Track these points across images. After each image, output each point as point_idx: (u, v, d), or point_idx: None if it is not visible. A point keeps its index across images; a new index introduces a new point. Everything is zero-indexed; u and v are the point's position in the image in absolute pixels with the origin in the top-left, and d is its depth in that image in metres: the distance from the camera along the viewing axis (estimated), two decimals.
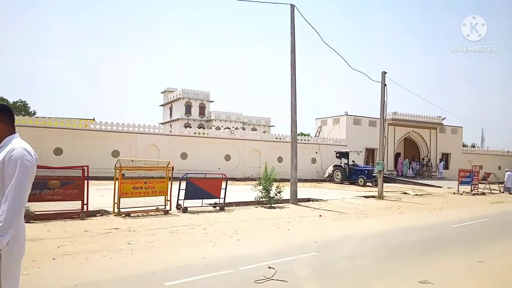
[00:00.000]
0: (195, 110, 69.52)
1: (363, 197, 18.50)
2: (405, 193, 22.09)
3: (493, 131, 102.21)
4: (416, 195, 21.27)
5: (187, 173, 12.32)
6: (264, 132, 54.37)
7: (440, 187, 27.32)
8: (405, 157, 37.54)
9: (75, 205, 10.01)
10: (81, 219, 9.70)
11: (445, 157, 38.90)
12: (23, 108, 55.94)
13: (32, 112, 55.09)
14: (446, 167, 37.89)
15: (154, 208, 11.24)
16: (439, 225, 11.59)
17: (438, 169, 37.02)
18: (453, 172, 32.40)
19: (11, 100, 56.29)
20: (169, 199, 11.51)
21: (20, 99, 57.65)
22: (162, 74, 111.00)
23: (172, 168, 11.99)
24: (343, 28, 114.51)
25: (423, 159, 37.39)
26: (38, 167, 10.71)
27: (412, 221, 12.23)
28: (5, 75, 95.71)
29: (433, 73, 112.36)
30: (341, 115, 34.49)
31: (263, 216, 11.90)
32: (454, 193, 23.14)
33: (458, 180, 24.28)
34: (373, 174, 25.21)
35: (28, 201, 9.17)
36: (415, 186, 27.31)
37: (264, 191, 13.90)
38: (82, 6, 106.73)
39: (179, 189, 11.83)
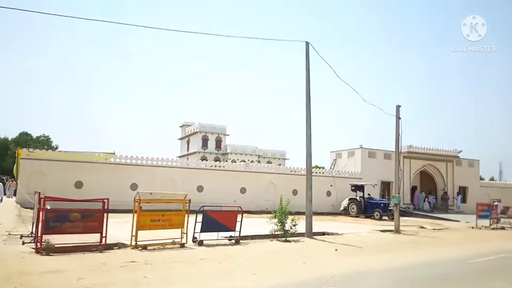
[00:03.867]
0: (211, 144, 70.28)
1: (379, 231, 18.29)
2: (422, 227, 21.74)
3: (511, 164, 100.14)
4: (434, 229, 20.91)
5: (203, 206, 12.48)
6: (279, 165, 54.43)
7: (458, 221, 26.75)
8: (421, 191, 37.00)
9: (92, 238, 10.22)
10: (99, 252, 9.87)
11: (463, 191, 38.22)
12: (46, 143, 57.49)
13: (55, 147, 56.47)
14: (463, 200, 37.18)
15: (171, 241, 11.37)
16: (457, 261, 11.42)
17: (455, 202, 36.34)
18: (470, 205, 31.75)
19: (34, 134, 58.05)
20: (185, 231, 11.63)
21: (43, 134, 59.42)
22: (181, 108, 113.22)
23: (189, 200, 12.16)
24: (358, 61, 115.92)
25: (444, 193, 36.71)
26: (60, 199, 10.98)
27: (430, 256, 12.06)
28: (29, 111, 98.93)
29: (448, 106, 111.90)
30: (356, 148, 34.51)
31: (279, 249, 11.90)
32: (472, 228, 22.65)
33: (476, 214, 23.80)
34: (389, 208, 24.95)
35: (50, 233, 9.51)
36: (432, 220, 26.81)
37: (279, 224, 13.91)
38: (102, 38, 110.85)
39: (195, 222, 11.95)
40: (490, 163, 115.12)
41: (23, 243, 10.35)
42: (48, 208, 9.96)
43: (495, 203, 24.45)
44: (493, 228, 22.79)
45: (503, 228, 23.28)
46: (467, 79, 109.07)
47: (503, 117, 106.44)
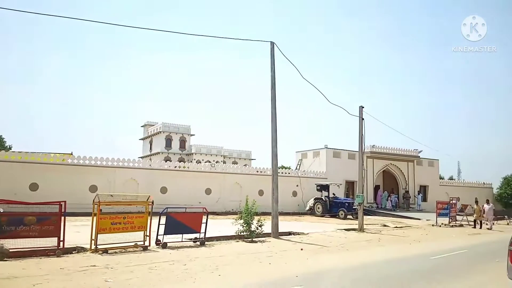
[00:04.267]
0: (175, 144, 69.28)
1: (344, 230, 18.54)
2: (385, 225, 22.25)
3: (469, 164, 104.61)
4: (396, 227, 21.45)
5: (167, 208, 12.17)
6: (245, 165, 54.34)
7: (419, 219, 27.61)
8: (384, 190, 37.98)
9: (50, 242, 9.73)
10: (57, 256, 9.41)
11: (423, 189, 39.55)
12: None
13: (8, 147, 53.79)
14: (424, 199, 38.50)
15: (133, 244, 11.01)
16: (419, 257, 11.70)
17: (416, 201, 37.52)
18: (431, 204, 32.90)
19: None
20: (148, 234, 11.30)
21: None
22: (142, 107, 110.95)
23: (152, 202, 11.84)
24: (321, 62, 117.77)
25: (406, 192, 37.79)
26: (13, 202, 10.34)
27: (393, 254, 12.31)
28: None
29: (410, 107, 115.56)
30: (321, 148, 34.95)
31: (244, 250, 11.78)
32: (432, 225, 23.42)
33: (436, 212, 24.62)
34: (354, 207, 25.37)
35: (4, 237, 8.98)
36: (394, 219, 27.53)
37: (245, 225, 13.80)
38: (60, 36, 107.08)
39: (159, 224, 11.65)
40: (449, 162, 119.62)
41: None
42: (1, 211, 9.40)
43: (453, 201, 25.37)
44: (452, 226, 23.65)
45: (461, 225, 24.21)
46: (430, 79, 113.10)
47: (462, 116, 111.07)
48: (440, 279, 8.59)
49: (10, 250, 8.99)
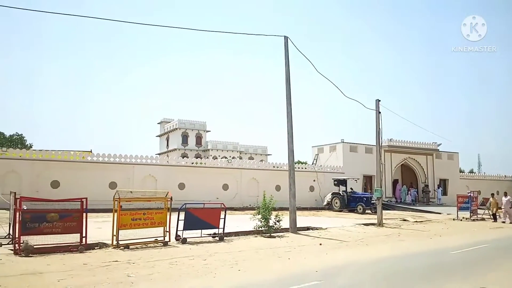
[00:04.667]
0: (191, 140, 69.69)
1: (362, 225, 18.42)
2: (404, 220, 22.01)
3: (489, 156, 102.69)
4: (416, 221, 21.20)
5: (185, 204, 12.28)
6: (261, 161, 54.37)
7: (439, 213, 27.23)
8: (403, 184, 37.54)
9: (73, 238, 9.93)
10: (80, 252, 9.60)
11: (443, 183, 38.95)
12: (19, 141, 55.81)
13: (29, 145, 54.95)
14: (444, 193, 37.88)
15: (153, 239, 11.16)
16: (439, 252, 11.55)
17: (436, 195, 36.99)
18: (451, 198, 32.37)
19: (7, 133, 56.36)
20: (168, 230, 11.44)
21: (16, 132, 57.59)
22: (158, 105, 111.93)
23: (171, 198, 11.97)
24: (337, 56, 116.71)
25: (425, 185, 37.30)
26: (36, 199, 10.65)
27: (413, 248, 12.18)
28: (2, 109, 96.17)
29: (429, 100, 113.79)
30: (338, 143, 34.69)
31: (263, 245, 11.81)
32: (453, 219, 23.05)
33: (457, 206, 24.23)
34: (372, 201, 25.15)
35: (28, 234, 9.22)
36: (414, 213, 27.21)
37: (263, 220, 13.83)
38: (76, 36, 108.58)
39: (178, 220, 11.77)
40: (469, 155, 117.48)
41: (1, 244, 10.04)
42: (25, 208, 9.63)
43: (473, 195, 24.91)
44: (474, 220, 23.24)
45: (483, 219, 23.76)
46: (447, 73, 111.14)
47: (482, 109, 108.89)
48: (461, 273, 8.48)
49: (35, 247, 9.21)
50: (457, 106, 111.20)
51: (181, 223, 11.80)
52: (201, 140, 70.73)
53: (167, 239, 11.34)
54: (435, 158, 38.49)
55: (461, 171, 44.97)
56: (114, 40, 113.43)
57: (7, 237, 10.60)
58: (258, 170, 30.23)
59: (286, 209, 15.64)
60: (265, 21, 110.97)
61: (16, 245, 9.18)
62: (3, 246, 9.89)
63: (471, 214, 23.80)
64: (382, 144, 24.84)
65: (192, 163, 28.86)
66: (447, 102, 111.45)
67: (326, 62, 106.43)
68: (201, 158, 32.31)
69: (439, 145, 38.33)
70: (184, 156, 57.05)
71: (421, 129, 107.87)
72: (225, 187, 27.93)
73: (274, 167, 31.05)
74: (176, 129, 69.17)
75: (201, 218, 12.41)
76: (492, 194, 23.95)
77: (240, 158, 62.35)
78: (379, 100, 20.29)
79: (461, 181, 39.97)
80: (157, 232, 11.32)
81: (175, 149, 67.46)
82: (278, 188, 28.00)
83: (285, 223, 14.74)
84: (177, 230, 11.75)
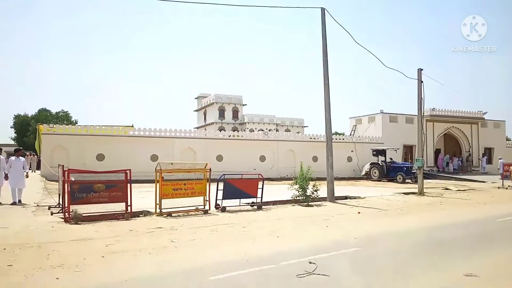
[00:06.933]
0: (228, 114, 70.17)
1: (402, 194, 18.14)
2: (447, 188, 21.47)
3: None
4: (459, 190, 20.63)
5: (223, 174, 12.52)
6: (298, 133, 54.11)
7: (484, 182, 26.34)
8: (445, 153, 36.45)
9: (119, 207, 10.41)
10: (126, 220, 10.07)
11: (488, 152, 37.50)
12: (65, 118, 58.24)
13: (74, 121, 57.27)
14: (489, 162, 36.52)
15: (194, 208, 11.51)
16: (484, 220, 11.25)
17: (481, 164, 35.74)
18: (496, 167, 31.17)
19: (53, 110, 58.88)
20: (208, 199, 11.74)
21: (62, 110, 60.10)
22: (196, 80, 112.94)
23: (210, 169, 12.22)
24: (376, 24, 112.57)
25: (469, 155, 36.10)
26: (83, 171, 11.24)
27: (456, 217, 11.90)
28: (48, 87, 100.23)
29: (470, 69, 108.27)
30: (377, 113, 33.97)
31: (301, 214, 11.92)
32: (498, 188, 22.26)
33: (502, 175, 23.34)
34: (413, 171, 24.63)
35: (76, 203, 9.74)
36: (457, 182, 26.47)
37: (300, 190, 13.89)
38: (118, 17, 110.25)
39: (217, 190, 12.04)
40: None
41: (52, 213, 10.63)
42: (73, 180, 10.15)
43: None
44: None
45: None
46: (492, 36, 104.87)
47: None
48: (507, 241, 8.24)
49: (83, 215, 9.73)
50: (501, 73, 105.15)
51: (220, 193, 12.07)
52: (238, 114, 71.05)
53: (207, 207, 11.66)
54: (480, 127, 37.01)
55: (507, 140, 43.00)
56: (155, 18, 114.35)
57: (57, 206, 11.23)
58: (294, 141, 30.21)
59: (323, 179, 15.60)
60: None
61: (66, 213, 9.71)
62: (54, 214, 10.49)
63: None
64: (424, 114, 24.14)
65: (230, 136, 29.20)
66: (491, 69, 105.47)
67: (365, 32, 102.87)
68: (238, 131, 32.56)
69: (484, 113, 36.74)
70: (221, 129, 57.76)
71: (463, 99, 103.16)
72: (262, 158, 28.16)
73: (311, 138, 30.92)
74: (213, 103, 69.74)
75: (239, 188, 12.64)
76: None
77: (277, 130, 62.28)
78: (422, 69, 19.64)
79: (508, 150, 38.28)
80: (197, 201, 11.64)
81: (213, 123, 68.26)
82: (315, 159, 27.92)
83: (322, 192, 14.72)
84: (216, 200, 12.04)
